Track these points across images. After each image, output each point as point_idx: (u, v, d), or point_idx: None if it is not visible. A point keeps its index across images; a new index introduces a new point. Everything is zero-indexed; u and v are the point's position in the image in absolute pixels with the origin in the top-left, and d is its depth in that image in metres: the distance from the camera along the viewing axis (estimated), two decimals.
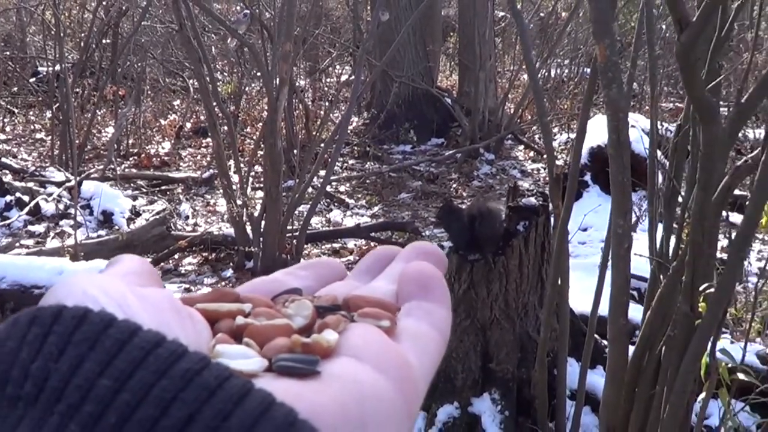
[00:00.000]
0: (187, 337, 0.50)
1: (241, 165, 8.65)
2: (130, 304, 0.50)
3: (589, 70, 15.14)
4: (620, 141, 3.36)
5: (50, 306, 0.48)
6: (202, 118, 13.88)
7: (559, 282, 4.65)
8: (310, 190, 8.60)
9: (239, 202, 7.94)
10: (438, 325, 0.60)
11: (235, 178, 8.48)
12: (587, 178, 9.55)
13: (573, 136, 11.95)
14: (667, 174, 3.79)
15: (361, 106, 13.80)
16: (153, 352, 0.45)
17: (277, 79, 7.56)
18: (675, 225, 3.86)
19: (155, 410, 0.42)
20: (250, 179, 9.43)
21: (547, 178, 11.47)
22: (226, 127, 8.40)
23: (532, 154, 13.13)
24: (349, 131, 12.08)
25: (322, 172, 8.71)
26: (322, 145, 8.90)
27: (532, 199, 5.06)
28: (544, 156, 12.36)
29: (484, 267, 4.90)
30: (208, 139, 12.95)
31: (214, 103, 7.86)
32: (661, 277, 3.79)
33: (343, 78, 14.64)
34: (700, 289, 3.35)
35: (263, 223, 7.77)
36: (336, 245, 9.07)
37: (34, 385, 0.44)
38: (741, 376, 3.61)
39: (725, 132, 3.18)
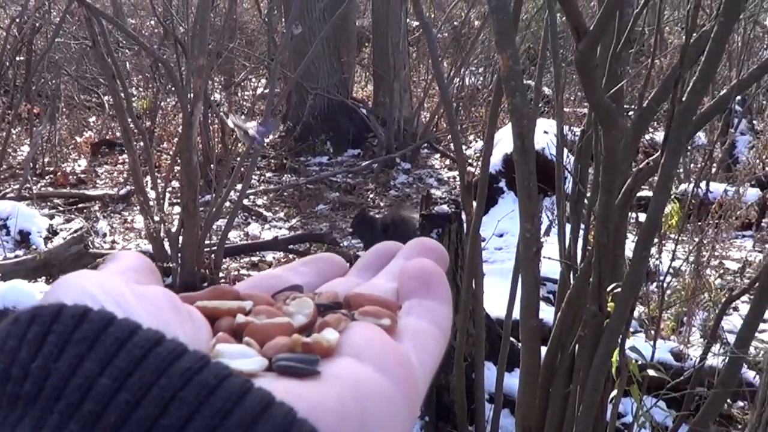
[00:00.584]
0: (187, 335, 0.50)
1: (158, 181, 8.62)
2: (129, 302, 0.51)
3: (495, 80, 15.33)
4: (525, 147, 3.44)
5: (50, 305, 0.47)
6: (118, 134, 13.79)
7: (474, 287, 4.72)
8: (227, 204, 8.59)
9: (156, 219, 7.90)
10: (439, 323, 0.60)
11: (152, 194, 8.45)
12: (502, 184, 9.65)
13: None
14: (573, 178, 3.87)
15: (277, 119, 13.79)
16: (152, 351, 0.45)
17: (192, 94, 7.55)
18: (581, 228, 3.95)
19: (155, 409, 0.43)
20: (167, 195, 9.41)
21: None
22: (141, 143, 8.37)
23: (448, 162, 13.18)
24: (265, 144, 12.07)
25: (239, 186, 8.71)
26: (238, 158, 8.89)
27: (445, 207, 5.13)
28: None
29: None
30: (125, 156, 12.89)
31: (129, 120, 7.82)
32: (570, 278, 3.88)
33: (259, 91, 14.61)
34: (608, 288, 3.44)
35: (181, 238, 7.75)
36: (255, 258, 9.06)
37: (34, 384, 0.44)
38: (651, 372, 3.70)
39: (627, 136, 3.28)
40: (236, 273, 8.60)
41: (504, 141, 9.38)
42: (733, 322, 7.10)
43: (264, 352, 0.51)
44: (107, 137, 13.66)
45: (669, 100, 3.15)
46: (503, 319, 5.84)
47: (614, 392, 3.75)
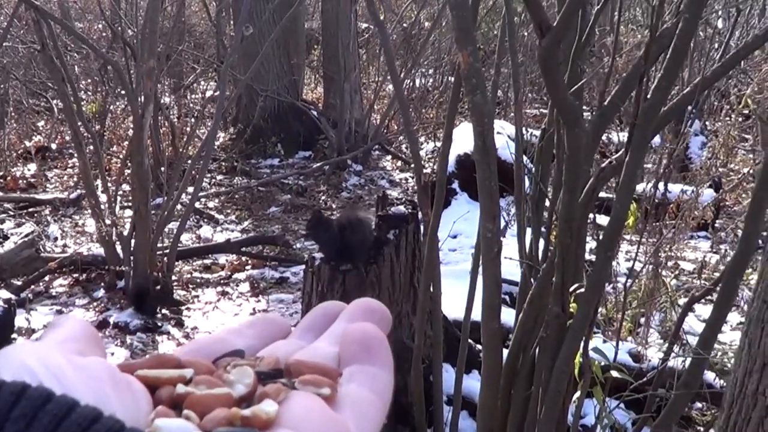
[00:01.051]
0: (126, 409, 0.50)
1: (109, 184, 8.52)
2: (68, 376, 0.50)
3: (453, 79, 15.34)
4: (486, 146, 3.40)
5: None
6: (67, 138, 13.64)
7: (432, 289, 4.68)
8: (178, 207, 8.51)
9: (108, 222, 7.81)
10: (379, 390, 0.60)
11: (103, 197, 8.35)
12: (455, 185, 9.62)
13: (439, 144, 12.07)
14: (534, 178, 3.83)
15: (227, 121, 13.71)
16: (90, 429, 0.44)
17: (142, 97, 7.47)
18: (543, 228, 3.92)
19: None
20: (118, 198, 9.30)
21: (416, 187, 11.58)
22: (91, 147, 8.27)
23: (399, 163, 13.19)
24: (216, 147, 11.99)
25: (190, 189, 8.63)
26: (189, 161, 8.81)
27: (401, 208, 5.08)
28: (412, 165, 12.50)
29: (356, 277, 4.90)
30: (74, 160, 12.75)
31: (79, 123, 7.72)
32: (532, 279, 3.84)
33: (208, 94, 14.53)
34: (571, 289, 3.40)
35: (133, 241, 7.66)
36: (207, 261, 9.00)
37: None
38: (614, 374, 3.68)
39: (589, 135, 3.24)
40: (189, 276, 8.53)
41: (456, 142, 9.35)
42: (689, 322, 7.12)
43: (203, 425, 0.51)
44: (56, 141, 13.48)
45: (633, 98, 3.12)
46: (459, 320, 5.83)
47: (577, 394, 3.72)
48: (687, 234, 8.65)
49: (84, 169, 7.91)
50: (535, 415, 3.73)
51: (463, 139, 9.10)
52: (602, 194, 7.05)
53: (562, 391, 3.50)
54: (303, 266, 8.43)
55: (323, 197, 11.61)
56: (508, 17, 4.27)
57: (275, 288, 8.31)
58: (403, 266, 5.02)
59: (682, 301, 7.40)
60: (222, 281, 8.49)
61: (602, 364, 3.80)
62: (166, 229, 8.05)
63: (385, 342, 0.63)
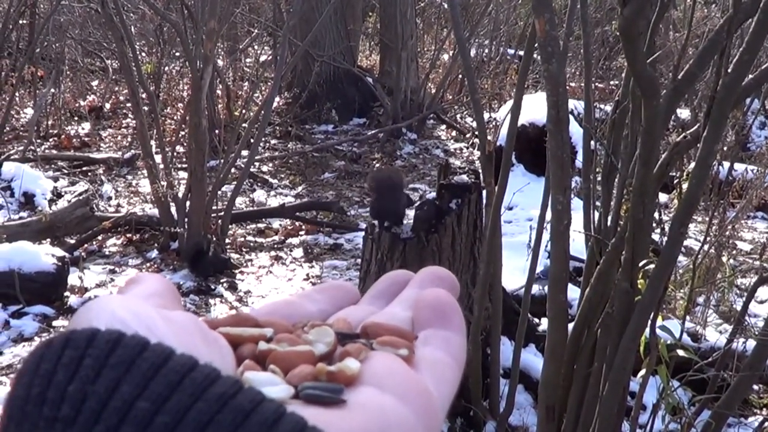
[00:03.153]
0: (215, 361, 0.49)
1: (164, 145, 8.52)
2: (160, 328, 0.51)
3: (510, 50, 15.21)
4: (560, 116, 3.34)
5: (83, 329, 0.48)
6: (121, 98, 13.68)
7: (493, 261, 4.63)
8: (233, 170, 8.50)
9: (164, 183, 7.81)
10: (454, 353, 0.60)
11: (158, 158, 8.35)
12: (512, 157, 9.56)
13: (495, 115, 11.99)
14: (605, 150, 3.76)
15: (282, 86, 13.69)
16: (188, 376, 0.45)
17: (201, 58, 7.45)
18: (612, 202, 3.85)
19: None
20: (173, 160, 9.30)
21: (471, 157, 11.50)
22: (146, 108, 8.26)
23: (454, 133, 13.12)
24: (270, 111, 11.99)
25: (245, 152, 8.60)
26: (245, 125, 8.79)
27: (464, 177, 5.01)
28: (467, 135, 12.46)
29: (417, 246, 4.85)
30: (128, 120, 12.78)
31: (138, 83, 7.72)
32: (599, 254, 3.78)
33: (262, 58, 14.52)
34: (640, 265, 3.34)
35: (188, 203, 7.66)
36: (261, 225, 8.98)
37: (72, 407, 0.44)
38: (681, 352, 3.62)
39: (662, 108, 3.17)
40: (242, 239, 8.52)
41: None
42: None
43: (289, 379, 0.52)
44: (109, 101, 13.53)
45: (714, 72, 3.05)
46: (514, 292, 5.79)
47: (642, 372, 3.66)
48: (748, 214, 8.54)
49: (141, 130, 7.91)
50: (596, 392, 3.68)
51: (522, 110, 9.00)
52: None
53: (628, 369, 3.45)
54: (357, 233, 8.45)
55: (377, 165, 11.54)
56: None
57: (329, 254, 8.27)
58: (464, 236, 4.96)
59: (739, 281, 7.33)
60: (275, 246, 8.46)
61: (668, 342, 3.74)
62: (219, 192, 8.03)
63: (458, 307, 0.62)
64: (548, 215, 3.79)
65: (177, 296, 0.62)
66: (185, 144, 9.73)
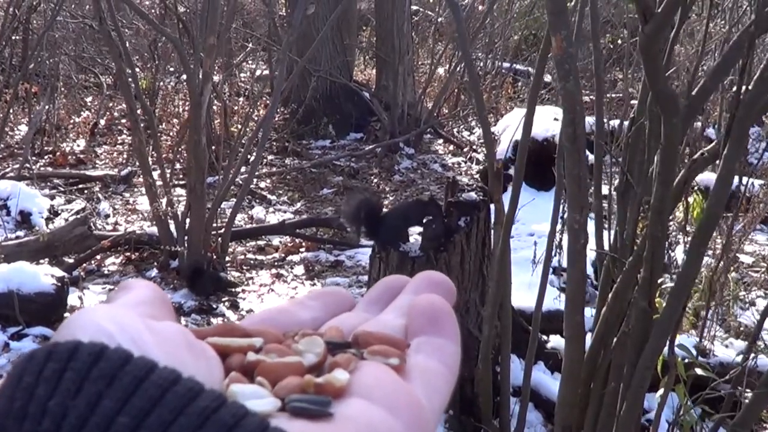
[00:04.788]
0: (201, 374, 0.49)
1: (162, 163, 8.48)
2: (146, 340, 0.50)
3: (506, 64, 15.20)
4: (576, 134, 3.31)
5: (66, 342, 0.47)
6: (116, 114, 13.63)
7: (503, 279, 4.59)
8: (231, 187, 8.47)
9: (163, 201, 7.76)
10: (447, 362, 0.59)
11: (155, 175, 8.31)
12: (511, 171, 9.52)
13: (492, 128, 11.96)
14: (621, 168, 3.73)
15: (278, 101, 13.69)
16: (170, 390, 0.45)
17: (201, 74, 7.41)
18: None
19: None
20: (170, 177, 9.26)
21: (470, 171, 11.47)
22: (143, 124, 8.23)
23: (451, 147, 13.09)
24: None
25: (244, 169, 8.57)
26: (245, 140, 8.76)
27: (473, 194, 4.98)
28: (464, 149, 12.41)
29: (426, 264, 4.81)
30: (123, 136, 12.72)
31: (136, 100, 7.68)
32: (615, 272, 3.75)
33: (258, 73, 14.50)
34: (658, 283, 3.32)
35: (188, 221, 7.61)
36: (261, 242, 8.94)
37: (53, 422, 0.44)
38: (699, 371, 3.59)
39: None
40: (242, 257, 8.47)
41: (512, 127, 9.26)
42: (750, 317, 7.01)
43: (276, 392, 0.51)
44: (104, 117, 13.49)
45: (735, 89, 3.02)
46: (520, 309, 5.75)
47: (660, 391, 3.63)
48: (753, 228, 8.51)
49: (140, 148, 7.86)
50: (611, 411, 3.65)
51: (518, 125, 8.99)
52: None
53: (645, 387, 3.42)
54: (358, 250, 8.42)
55: (375, 180, 11.52)
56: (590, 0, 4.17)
57: (330, 271, 8.23)
58: (473, 254, 4.93)
59: (741, 294, 7.31)
60: (276, 263, 8.42)
61: (685, 360, 3.72)
62: (218, 210, 7.99)
63: (452, 313, 0.62)
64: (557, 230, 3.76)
65: (168, 304, 0.61)
66: (182, 161, 9.68)
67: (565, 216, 3.71)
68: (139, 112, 7.98)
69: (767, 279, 7.82)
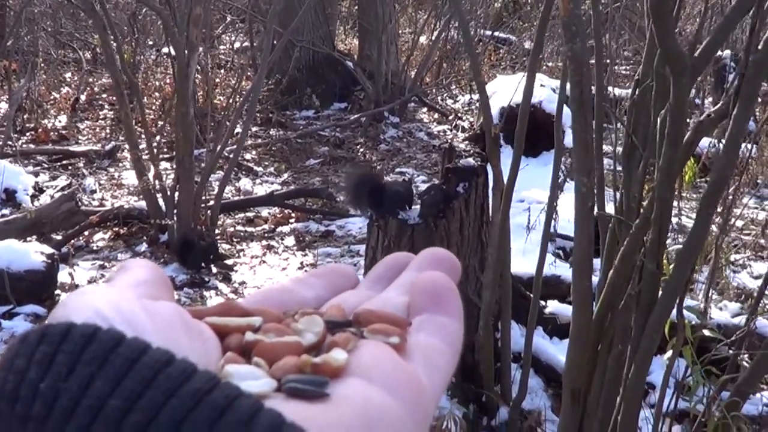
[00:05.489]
0: (197, 354, 0.50)
1: (150, 136, 8.42)
2: (140, 321, 0.50)
3: (487, 32, 15.16)
4: (583, 97, 3.28)
5: (59, 324, 0.47)
6: (96, 89, 13.53)
7: (503, 245, 4.59)
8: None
9: (151, 174, 7.71)
10: (450, 340, 0.58)
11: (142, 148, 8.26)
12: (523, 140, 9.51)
13: (475, 97, 11.94)
14: (626, 130, 3.71)
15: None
16: (163, 372, 0.45)
17: (187, 45, 7.35)
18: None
19: (166, 430, 0.43)
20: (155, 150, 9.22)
21: (456, 140, 11.45)
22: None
23: (436, 116, 13.06)
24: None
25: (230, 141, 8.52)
26: (231, 113, 8.71)
27: (470, 160, 4.96)
28: (449, 117, 12.38)
29: (425, 231, 4.79)
30: (105, 111, 12.64)
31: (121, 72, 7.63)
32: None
33: (237, 45, 14.43)
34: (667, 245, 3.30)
35: (176, 194, 7.57)
36: (249, 214, 8.90)
37: (44, 405, 0.44)
38: (707, 332, 3.59)
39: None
40: (232, 229, 8.44)
41: (499, 94, 9.23)
42: (741, 279, 7.03)
43: (273, 372, 0.51)
44: (84, 92, 13.38)
45: (743, 49, 3.00)
46: (517, 275, 5.74)
47: (668, 353, 3.63)
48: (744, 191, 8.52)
49: (126, 120, 7.82)
50: (617, 374, 3.64)
51: (505, 91, 8.96)
52: None
53: (653, 350, 3.42)
54: (348, 219, 8.39)
55: (361, 149, 11.49)
56: None
57: (321, 241, 8.21)
58: (472, 220, 4.90)
59: (733, 257, 7.33)
60: (266, 234, 8.39)
61: (692, 323, 3.71)
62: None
63: (456, 291, 0.61)
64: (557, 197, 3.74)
65: (167, 284, 0.60)
66: (166, 134, 9.62)
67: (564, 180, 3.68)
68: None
69: (758, 242, 7.84)
